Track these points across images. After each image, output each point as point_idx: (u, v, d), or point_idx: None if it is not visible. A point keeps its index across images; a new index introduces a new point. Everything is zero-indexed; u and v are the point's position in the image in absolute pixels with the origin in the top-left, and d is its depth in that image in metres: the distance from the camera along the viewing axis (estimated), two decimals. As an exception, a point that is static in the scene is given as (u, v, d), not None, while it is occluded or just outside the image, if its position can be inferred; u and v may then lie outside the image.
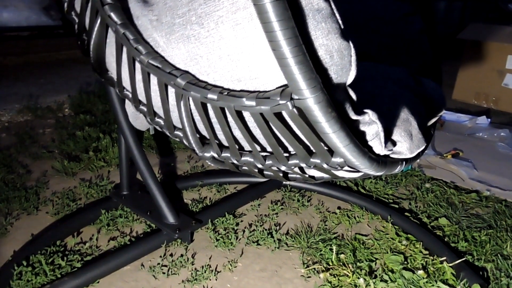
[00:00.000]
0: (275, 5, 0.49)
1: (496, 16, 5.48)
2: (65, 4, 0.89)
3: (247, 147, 0.75)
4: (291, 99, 0.56)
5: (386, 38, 1.20)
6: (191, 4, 0.59)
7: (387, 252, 1.27)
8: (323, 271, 1.19)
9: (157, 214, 1.29)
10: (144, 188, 1.35)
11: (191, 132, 0.73)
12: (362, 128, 0.62)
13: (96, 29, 0.75)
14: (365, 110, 0.60)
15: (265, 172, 0.83)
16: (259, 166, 0.76)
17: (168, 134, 0.84)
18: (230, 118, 0.66)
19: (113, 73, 0.85)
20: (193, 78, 0.64)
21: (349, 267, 1.19)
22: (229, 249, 1.28)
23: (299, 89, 0.54)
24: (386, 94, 0.80)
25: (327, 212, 1.50)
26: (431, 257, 1.24)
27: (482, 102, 2.92)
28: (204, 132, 0.77)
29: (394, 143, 0.69)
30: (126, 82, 0.81)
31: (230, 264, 1.21)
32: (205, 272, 1.17)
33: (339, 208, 1.53)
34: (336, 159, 0.65)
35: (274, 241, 1.31)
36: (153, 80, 0.73)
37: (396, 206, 1.55)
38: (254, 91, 0.61)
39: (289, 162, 0.69)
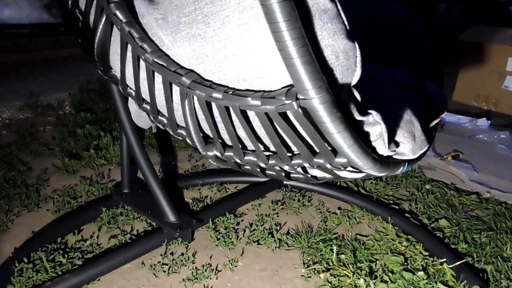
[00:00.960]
0: (282, 5, 0.49)
1: (496, 18, 5.49)
2: (69, 2, 0.89)
3: (250, 146, 0.75)
4: (297, 99, 0.56)
5: (388, 39, 1.21)
6: (198, 3, 0.59)
7: (387, 253, 1.27)
8: (323, 271, 1.19)
9: (158, 212, 1.29)
10: (145, 187, 1.35)
11: (195, 131, 0.73)
12: (366, 128, 0.62)
13: (101, 27, 0.75)
14: (369, 111, 0.60)
15: (268, 172, 0.83)
16: (262, 165, 0.77)
17: (171, 132, 0.84)
18: (234, 117, 0.67)
19: (117, 71, 0.86)
20: (198, 77, 0.64)
21: (350, 268, 1.19)
22: (229, 249, 1.28)
23: (304, 89, 0.54)
24: (389, 95, 0.81)
25: (328, 212, 1.51)
26: (431, 258, 1.24)
27: (482, 104, 2.93)
28: (207, 131, 0.77)
29: (397, 144, 0.69)
30: (130, 80, 0.81)
31: (231, 263, 1.21)
32: (205, 271, 1.17)
33: (339, 208, 1.53)
34: (340, 160, 0.65)
35: (275, 241, 1.31)
36: (158, 78, 0.73)
37: (397, 207, 1.56)
38: (259, 91, 0.61)
39: (292, 161, 0.69)
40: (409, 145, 0.70)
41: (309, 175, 0.79)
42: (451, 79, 3.00)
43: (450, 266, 1.18)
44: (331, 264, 1.21)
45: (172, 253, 1.25)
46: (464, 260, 1.21)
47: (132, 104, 1.09)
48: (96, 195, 1.55)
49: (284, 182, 1.61)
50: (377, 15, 1.25)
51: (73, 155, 1.84)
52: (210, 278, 1.16)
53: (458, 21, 5.82)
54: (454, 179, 1.78)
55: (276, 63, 0.57)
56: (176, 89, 0.70)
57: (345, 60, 0.57)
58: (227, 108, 0.65)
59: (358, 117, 0.60)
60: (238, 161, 0.77)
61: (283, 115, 0.61)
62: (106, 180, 1.64)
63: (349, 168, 0.68)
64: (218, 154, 0.78)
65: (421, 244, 1.30)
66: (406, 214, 1.49)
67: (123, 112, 1.22)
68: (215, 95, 0.62)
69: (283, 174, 0.81)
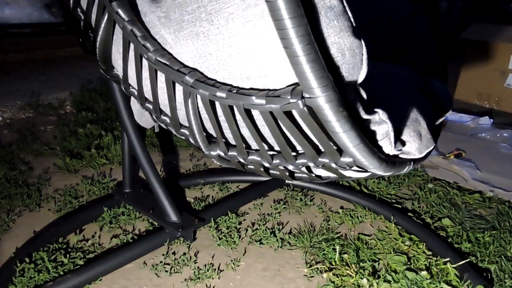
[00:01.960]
0: (287, 2, 0.48)
1: (498, 16, 5.47)
2: (71, 1, 0.88)
3: (254, 145, 0.74)
4: (302, 97, 0.55)
5: (392, 37, 1.20)
6: (201, 0, 0.59)
7: (390, 253, 1.26)
8: (326, 271, 1.18)
9: (159, 212, 1.28)
10: (147, 186, 1.34)
11: (198, 130, 0.72)
12: (372, 127, 0.62)
13: (103, 25, 0.74)
14: (375, 110, 0.60)
15: (271, 171, 0.82)
16: (266, 165, 0.76)
17: (174, 132, 0.83)
18: (238, 117, 0.66)
19: (119, 70, 0.85)
20: (201, 75, 0.63)
21: (352, 267, 1.18)
22: (231, 248, 1.27)
23: (310, 87, 0.53)
24: (395, 93, 0.80)
25: (330, 211, 1.50)
26: (435, 258, 1.23)
27: (484, 103, 2.92)
28: (211, 130, 0.76)
29: (403, 143, 0.68)
30: (132, 79, 0.81)
31: (233, 263, 1.20)
32: (207, 270, 1.16)
33: (342, 207, 1.52)
34: (345, 159, 0.64)
35: (277, 240, 1.30)
36: (160, 77, 0.72)
37: (399, 206, 1.55)
38: (264, 89, 0.60)
39: (297, 161, 0.68)
40: (415, 144, 0.70)
41: (314, 175, 0.79)
42: (453, 77, 2.99)
43: (454, 265, 1.17)
44: (333, 263, 1.20)
45: (174, 253, 1.24)
46: (467, 260, 1.20)
47: (134, 104, 1.09)
48: (98, 195, 1.54)
49: (286, 181, 1.61)
50: (381, 12, 1.24)
51: (74, 155, 1.84)
52: (212, 278, 1.15)
53: (460, 19, 5.80)
54: (457, 178, 1.77)
55: (281, 61, 0.56)
56: (179, 88, 0.70)
57: (351, 58, 0.56)
58: (231, 107, 0.64)
59: (364, 115, 0.59)
60: (241, 160, 0.77)
61: (288, 114, 0.60)
62: (107, 180, 1.63)
63: (355, 168, 0.67)
64: (222, 154, 0.77)
65: (424, 243, 1.29)
66: (409, 213, 1.48)
67: (125, 111, 1.21)
68: (219, 94, 0.61)
69: (287, 174, 0.81)
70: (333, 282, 1.13)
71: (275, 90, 0.59)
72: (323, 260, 1.23)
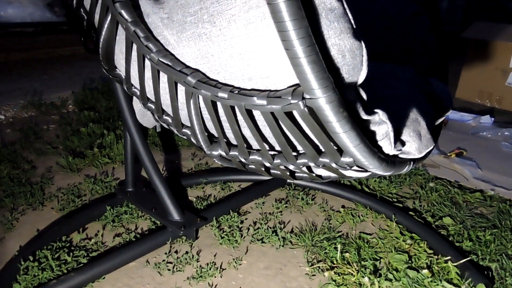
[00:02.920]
0: (288, 4, 0.49)
1: (499, 15, 5.46)
2: (74, 1, 0.89)
3: (255, 145, 0.75)
4: (303, 98, 0.56)
5: (393, 36, 1.20)
6: (203, 2, 0.59)
7: (392, 251, 1.27)
8: (327, 269, 1.19)
9: (162, 211, 1.29)
10: (149, 185, 1.35)
11: (200, 130, 0.73)
12: (372, 128, 0.62)
13: (106, 26, 0.75)
14: (375, 110, 0.60)
15: (272, 171, 0.83)
16: (267, 164, 0.77)
17: (175, 132, 0.84)
18: (239, 117, 0.67)
19: (121, 70, 0.86)
20: (203, 76, 0.64)
21: (354, 266, 1.19)
22: (233, 247, 1.28)
23: (311, 88, 0.54)
24: (395, 93, 0.80)
25: (331, 210, 1.51)
26: (436, 257, 1.24)
27: (485, 101, 2.92)
28: (212, 130, 0.77)
29: (403, 143, 0.69)
30: (135, 79, 0.81)
31: (235, 262, 1.21)
32: (210, 269, 1.17)
33: (343, 206, 1.53)
34: (346, 159, 0.65)
35: (279, 239, 1.31)
36: (163, 78, 0.73)
37: (400, 205, 1.56)
38: (265, 90, 0.61)
39: (298, 161, 0.69)
40: (415, 144, 0.70)
41: (314, 174, 0.79)
42: (455, 76, 2.99)
43: (455, 264, 1.18)
44: (335, 262, 1.21)
45: (176, 252, 1.25)
46: (468, 258, 1.21)
47: (136, 103, 1.09)
48: (100, 194, 1.55)
49: (288, 180, 1.61)
50: (382, 12, 1.25)
51: (77, 154, 1.85)
52: (215, 277, 1.16)
53: (461, 18, 5.79)
54: (458, 176, 1.77)
55: (282, 62, 0.56)
56: (181, 89, 0.70)
57: (352, 59, 0.57)
58: (233, 108, 0.65)
59: (364, 116, 0.59)
60: (243, 160, 0.77)
61: (289, 115, 0.61)
62: (110, 179, 1.64)
63: (355, 168, 0.68)
64: (223, 154, 0.78)
65: (426, 242, 1.30)
66: (410, 212, 1.49)
67: (127, 110, 1.22)
68: (220, 94, 0.61)
69: (288, 173, 0.81)
70: (334, 281, 1.14)
71: (276, 90, 0.59)
72: (324, 259, 1.24)
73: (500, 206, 1.54)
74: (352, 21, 0.57)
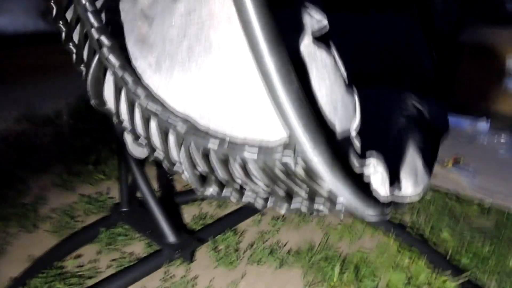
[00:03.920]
0: (277, 59, 0.47)
1: (496, 17, 5.43)
2: (62, 35, 0.87)
3: (248, 187, 0.74)
4: (295, 152, 0.54)
5: (388, 56, 1.19)
6: (191, 52, 0.58)
7: (390, 269, 1.26)
8: (325, 292, 1.18)
9: (157, 233, 1.28)
10: (144, 204, 1.33)
11: (191, 173, 0.71)
12: (366, 177, 0.61)
13: (93, 67, 0.73)
14: (370, 159, 0.59)
15: (269, 204, 0.82)
16: (261, 202, 0.75)
17: (167, 170, 0.82)
18: (231, 161, 0.65)
19: (111, 106, 0.84)
20: (192, 125, 0.62)
21: (352, 287, 1.18)
22: (230, 269, 1.27)
23: (302, 143, 0.52)
24: (391, 128, 0.79)
25: (328, 227, 1.49)
26: (435, 274, 1.23)
27: (482, 105, 2.91)
28: (205, 169, 0.76)
29: (399, 186, 0.68)
30: (125, 116, 0.80)
31: (233, 284, 1.20)
32: (206, 294, 1.16)
33: (340, 223, 1.52)
34: (339, 205, 0.63)
35: (276, 259, 1.30)
36: (153, 121, 0.71)
37: (398, 219, 1.55)
38: (257, 140, 0.59)
39: (291, 206, 0.68)
40: (410, 184, 0.69)
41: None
42: (451, 79, 2.97)
43: (454, 281, 1.17)
44: (332, 283, 1.20)
45: (172, 276, 1.24)
46: (468, 272, 1.20)
47: (128, 136, 1.08)
48: (95, 213, 1.53)
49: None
50: (376, 31, 1.23)
51: (71, 170, 1.82)
52: (212, 303, 1.15)
53: (457, 20, 5.76)
54: (455, 187, 1.76)
55: (274, 113, 0.55)
56: (172, 132, 0.69)
57: (344, 111, 0.55)
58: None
59: (358, 169, 0.58)
60: (237, 199, 0.76)
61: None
62: (104, 197, 1.62)
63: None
64: (215, 194, 0.76)
65: (425, 256, 1.29)
66: (408, 226, 1.48)
67: (121, 135, 1.20)
68: (210, 146, 0.60)
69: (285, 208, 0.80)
70: (332, 304, 1.13)
71: (269, 141, 0.58)
72: (322, 280, 1.23)
73: (497, 219, 1.54)
74: (344, 73, 0.55)
